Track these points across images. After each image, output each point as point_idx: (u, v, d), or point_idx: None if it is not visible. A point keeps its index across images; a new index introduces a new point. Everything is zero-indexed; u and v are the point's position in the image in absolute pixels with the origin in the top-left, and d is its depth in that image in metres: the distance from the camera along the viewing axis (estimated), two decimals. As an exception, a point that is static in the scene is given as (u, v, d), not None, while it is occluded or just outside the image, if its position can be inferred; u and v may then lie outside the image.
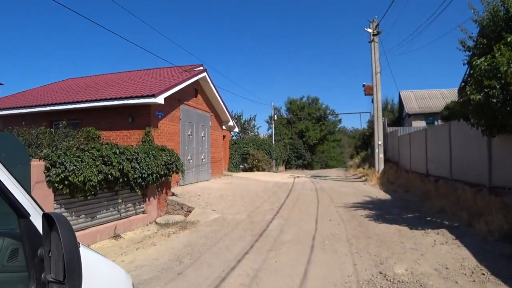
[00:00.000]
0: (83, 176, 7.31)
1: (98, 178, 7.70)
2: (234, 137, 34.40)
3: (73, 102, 12.20)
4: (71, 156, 7.42)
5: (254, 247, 6.82)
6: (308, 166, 43.73)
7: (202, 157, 16.55)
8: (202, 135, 16.62)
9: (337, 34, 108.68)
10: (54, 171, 7.01)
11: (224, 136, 22.61)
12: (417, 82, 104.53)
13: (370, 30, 17.87)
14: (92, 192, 7.87)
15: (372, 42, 18.02)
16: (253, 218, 9.72)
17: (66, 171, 7.08)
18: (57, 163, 7.09)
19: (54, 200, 7.27)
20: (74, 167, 7.22)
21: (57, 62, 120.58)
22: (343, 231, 7.69)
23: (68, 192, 7.37)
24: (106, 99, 11.69)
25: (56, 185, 7.07)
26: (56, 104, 12.51)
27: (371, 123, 40.05)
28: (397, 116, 38.22)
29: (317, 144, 49.36)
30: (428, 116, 28.93)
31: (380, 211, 9.76)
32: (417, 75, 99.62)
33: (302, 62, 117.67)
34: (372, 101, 18.99)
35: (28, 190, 1.67)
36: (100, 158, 7.96)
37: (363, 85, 19.43)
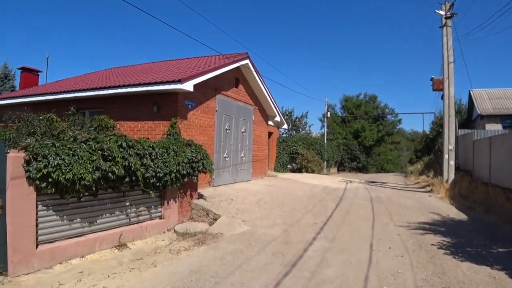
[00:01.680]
0: (72, 173, 5.85)
1: (94, 177, 6.22)
2: (284, 135, 32.60)
3: (95, 89, 11.02)
4: (60, 147, 5.99)
5: (280, 286, 5.00)
6: (362, 169, 40.80)
7: (242, 155, 14.92)
8: (243, 130, 14.98)
9: (398, 25, 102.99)
10: (35, 166, 5.61)
11: (271, 133, 20.88)
12: (488, 80, 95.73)
13: (442, 12, 15.25)
14: (86, 193, 6.44)
15: (444, 27, 15.37)
16: (289, 235, 7.84)
17: (49, 166, 5.65)
18: (40, 155, 5.68)
19: (38, 201, 5.89)
20: (61, 162, 5.77)
21: (117, 49, 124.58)
22: (409, 271, 5.57)
23: (54, 192, 5.96)
24: (129, 85, 10.36)
25: (38, 182, 5.67)
26: (79, 90, 11.41)
27: (435, 124, 36.59)
28: (466, 118, 34.40)
29: (373, 146, 46.04)
30: (505, 119, 25.36)
31: (457, 239, 7.44)
32: (489, 72, 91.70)
33: (359, 57, 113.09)
34: (442, 98, 16.32)
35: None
36: (99, 151, 6.49)
37: (431, 79, 16.79)
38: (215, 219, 8.84)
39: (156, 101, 10.48)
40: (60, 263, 6.06)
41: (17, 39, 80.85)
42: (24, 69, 19.36)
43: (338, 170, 37.36)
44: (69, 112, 8.29)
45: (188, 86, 9.82)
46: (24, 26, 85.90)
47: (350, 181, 21.27)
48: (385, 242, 7.23)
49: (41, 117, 7.38)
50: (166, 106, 10.39)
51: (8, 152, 5.55)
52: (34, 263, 5.75)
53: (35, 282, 5.28)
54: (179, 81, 9.52)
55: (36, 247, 5.85)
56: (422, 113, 53.96)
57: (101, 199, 6.99)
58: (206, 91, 11.71)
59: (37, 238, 5.90)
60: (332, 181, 20.55)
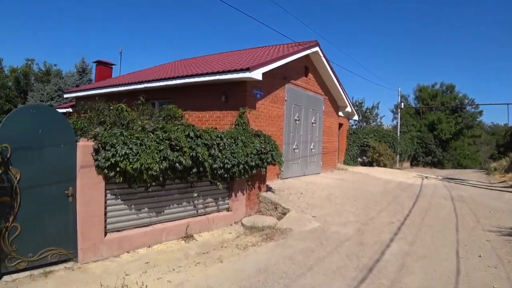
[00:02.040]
0: (140, 162, 5.74)
1: (161, 167, 6.07)
2: (354, 126, 31.40)
3: (164, 79, 11.06)
4: (128, 137, 5.91)
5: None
6: (437, 164, 38.09)
7: (312, 147, 14.37)
8: (313, 121, 14.40)
9: (476, 4, 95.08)
10: (103, 154, 5.56)
11: (341, 125, 20.06)
12: None
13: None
14: (154, 183, 6.32)
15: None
16: (364, 235, 7.22)
17: (117, 155, 5.57)
18: (108, 144, 5.62)
19: (107, 190, 5.86)
20: (128, 151, 5.67)
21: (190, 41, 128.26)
22: (506, 285, 4.80)
23: (122, 181, 5.89)
24: (196, 75, 10.23)
25: (106, 171, 5.62)
26: (149, 81, 11.54)
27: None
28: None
29: (450, 139, 42.73)
30: None
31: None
32: None
33: (435, 42, 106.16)
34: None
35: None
36: (166, 141, 6.34)
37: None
38: (284, 214, 8.44)
39: (224, 90, 10.27)
40: (127, 252, 6.02)
41: (94, 34, 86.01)
42: (99, 63, 20.41)
43: (411, 165, 35.29)
44: (139, 102, 8.28)
45: (257, 74, 9.46)
46: (100, 20, 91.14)
47: (426, 177, 19.83)
48: (473, 250, 6.36)
49: (111, 107, 7.42)
50: (234, 95, 10.14)
51: (78, 141, 5.55)
52: (103, 251, 5.74)
53: (102, 270, 5.24)
54: (248, 69, 9.19)
55: (105, 235, 5.84)
56: (507, 104, 49.37)
57: (169, 189, 6.87)
58: (275, 80, 11.30)
59: (105, 227, 5.88)
60: (406, 176, 19.28)
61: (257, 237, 7.01)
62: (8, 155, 4.79)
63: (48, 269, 5.10)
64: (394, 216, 8.97)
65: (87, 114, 7.43)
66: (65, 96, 18.28)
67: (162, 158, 6.11)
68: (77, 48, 78.69)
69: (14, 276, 4.87)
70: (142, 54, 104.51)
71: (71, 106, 18.74)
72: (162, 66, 18.01)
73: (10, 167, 4.83)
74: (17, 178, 4.87)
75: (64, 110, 18.33)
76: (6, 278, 4.82)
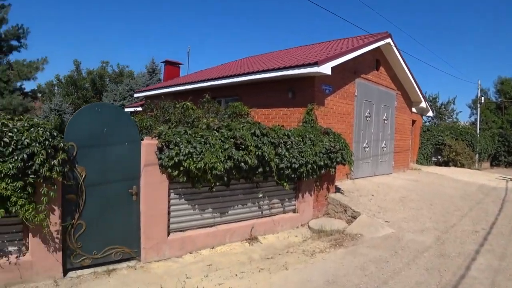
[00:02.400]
0: (204, 162, 5.52)
1: (226, 166, 5.81)
2: (427, 123, 29.53)
3: (230, 76, 10.89)
4: (192, 135, 5.72)
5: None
6: (522, 165, 34.66)
7: (383, 145, 13.53)
8: (384, 117, 13.54)
9: None
10: (167, 153, 5.42)
11: (414, 121, 18.83)
12: None
13: None
14: (218, 183, 6.10)
15: None
16: (444, 245, 6.46)
17: (181, 154, 5.40)
18: (171, 143, 5.47)
19: (171, 189, 5.74)
20: (192, 150, 5.48)
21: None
22: None
23: (186, 181, 5.73)
24: (262, 71, 9.91)
25: (170, 170, 5.48)
26: (215, 79, 11.44)
27: None
28: None
29: (538, 138, 38.73)
30: None
31: None
32: None
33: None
34: None
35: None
36: (231, 139, 6.08)
37: None
38: (354, 217, 7.89)
39: (291, 86, 9.86)
40: (190, 253, 5.87)
41: (162, 34, 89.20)
42: (167, 63, 21.04)
43: (491, 165, 32.37)
44: (204, 99, 8.14)
45: (325, 69, 8.94)
46: (170, 21, 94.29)
47: (511, 179, 18.02)
48: None
49: (176, 105, 7.33)
50: (302, 91, 9.70)
51: (143, 139, 5.46)
52: (165, 251, 5.62)
53: (163, 271, 5.12)
54: (316, 64, 8.70)
55: (168, 235, 5.73)
56: None
57: (233, 189, 6.63)
58: (344, 74, 10.68)
59: (168, 226, 5.77)
60: (487, 178, 17.59)
61: (325, 242, 6.55)
62: (74, 154, 4.79)
63: (111, 267, 5.08)
64: (478, 223, 8.05)
65: (153, 113, 7.41)
66: (135, 95, 18.94)
67: (226, 157, 5.86)
68: (147, 50, 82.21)
69: (79, 272, 4.90)
70: (210, 53, 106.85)
71: (141, 105, 19.40)
72: (228, 64, 17.97)
73: (76, 165, 4.83)
74: (83, 176, 4.87)
75: (132, 109, 19.01)
76: (71, 274, 4.84)
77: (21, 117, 4.59)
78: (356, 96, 11.44)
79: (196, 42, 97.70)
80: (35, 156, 4.21)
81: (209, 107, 8.01)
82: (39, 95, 25.56)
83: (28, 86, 64.64)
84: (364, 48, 10.93)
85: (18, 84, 15.65)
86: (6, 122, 4.24)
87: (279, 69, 9.52)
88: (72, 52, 67.20)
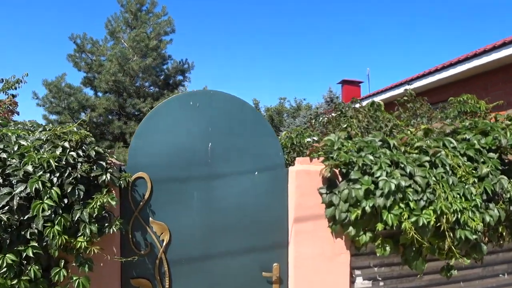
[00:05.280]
0: (434, 210, 2.28)
1: (488, 219, 2.42)
2: None
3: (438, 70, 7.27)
4: (401, 151, 2.55)
5: None
6: None
7: None
8: None
9: None
10: (345, 191, 2.36)
11: None
12: None
13: None
14: (461, 255, 2.67)
15: None
16: None
17: (377, 193, 2.28)
18: (355, 167, 2.40)
19: (354, 268, 2.65)
20: (406, 184, 2.31)
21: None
22: None
23: (391, 250, 2.52)
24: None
25: (352, 230, 2.40)
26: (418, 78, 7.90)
27: None
28: None
29: None
30: None
31: None
32: None
33: None
34: None
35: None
36: (489, 155, 2.65)
37: None
38: None
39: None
40: None
41: (338, 58, 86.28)
42: (344, 82, 18.99)
43: None
44: (405, 97, 4.77)
45: None
46: (346, 44, 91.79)
47: None
48: None
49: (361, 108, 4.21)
50: None
51: (291, 165, 2.56)
52: None
53: None
54: None
55: None
56: None
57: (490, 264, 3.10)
58: None
59: None
60: None
61: None
62: (146, 195, 2.20)
63: None
64: None
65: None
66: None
67: (484, 197, 2.46)
68: (324, 79, 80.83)
69: None
70: (390, 74, 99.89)
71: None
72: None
73: (148, 219, 2.20)
74: (164, 242, 2.23)
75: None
76: None
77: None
78: None
79: (375, 62, 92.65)
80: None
81: (416, 108, 4.63)
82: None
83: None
84: None
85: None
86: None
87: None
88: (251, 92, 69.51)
